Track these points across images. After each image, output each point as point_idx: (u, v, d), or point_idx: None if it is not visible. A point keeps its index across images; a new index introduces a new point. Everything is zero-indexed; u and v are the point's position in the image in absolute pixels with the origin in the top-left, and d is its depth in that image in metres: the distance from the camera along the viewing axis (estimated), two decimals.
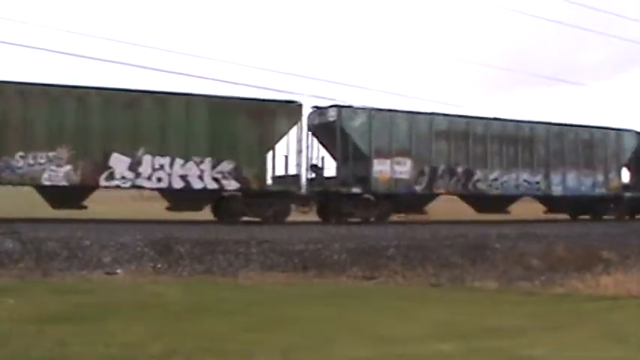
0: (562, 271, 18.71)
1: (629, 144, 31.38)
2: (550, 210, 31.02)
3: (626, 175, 32.40)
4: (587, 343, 9.57)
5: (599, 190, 30.23)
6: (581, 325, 11.20)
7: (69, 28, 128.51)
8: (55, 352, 7.96)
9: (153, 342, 8.61)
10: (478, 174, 27.24)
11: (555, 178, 29.18)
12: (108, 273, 16.15)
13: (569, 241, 21.84)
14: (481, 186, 27.36)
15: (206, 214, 24.36)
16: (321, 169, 25.73)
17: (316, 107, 25.62)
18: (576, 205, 30.76)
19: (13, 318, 10.07)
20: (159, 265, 16.93)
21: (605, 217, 30.82)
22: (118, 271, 16.38)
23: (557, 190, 29.30)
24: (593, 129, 30.63)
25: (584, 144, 30.06)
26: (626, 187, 31.69)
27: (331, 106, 25.12)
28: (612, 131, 31.05)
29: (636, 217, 31.83)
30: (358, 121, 24.78)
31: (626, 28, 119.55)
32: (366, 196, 25.42)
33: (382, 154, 24.97)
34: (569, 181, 29.49)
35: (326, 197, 25.09)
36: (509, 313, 12.55)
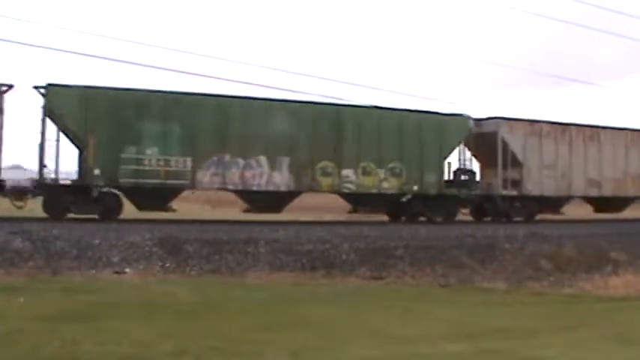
0: (571, 272, 18.68)
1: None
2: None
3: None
4: (596, 344, 9.55)
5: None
6: (590, 326, 11.18)
7: (69, 27, 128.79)
8: (65, 351, 7.99)
9: (162, 341, 8.64)
10: None
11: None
12: (117, 272, 16.21)
13: (578, 242, 21.77)
14: None
15: (208, 213, 24.38)
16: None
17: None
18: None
19: (24, 316, 10.12)
20: (167, 265, 16.97)
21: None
22: (127, 270, 16.43)
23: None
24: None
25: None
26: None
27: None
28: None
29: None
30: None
31: (638, 28, 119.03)
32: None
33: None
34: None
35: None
36: (518, 314, 12.53)
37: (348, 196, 25.71)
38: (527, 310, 13.04)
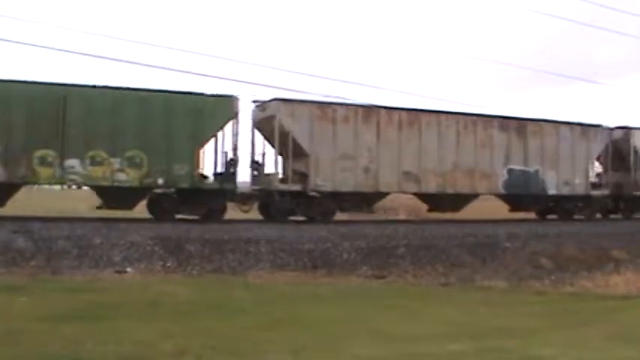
0: (572, 271, 18.68)
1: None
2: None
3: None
4: (597, 343, 9.56)
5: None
6: (591, 325, 11.18)
7: (69, 26, 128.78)
8: (67, 350, 8.01)
9: (163, 341, 8.65)
10: None
11: None
12: (118, 271, 16.22)
13: (579, 240, 21.78)
14: None
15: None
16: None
17: None
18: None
19: (26, 316, 10.14)
20: (169, 264, 16.98)
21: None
22: (128, 269, 16.44)
23: None
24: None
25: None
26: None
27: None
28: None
29: None
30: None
31: None
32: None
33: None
34: None
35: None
36: (519, 313, 12.54)
37: (98, 190, 22.30)
38: (528, 309, 13.05)
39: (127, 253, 17.11)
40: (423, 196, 26.89)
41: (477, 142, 26.26)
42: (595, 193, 28.87)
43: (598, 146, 29.09)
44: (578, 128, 28.58)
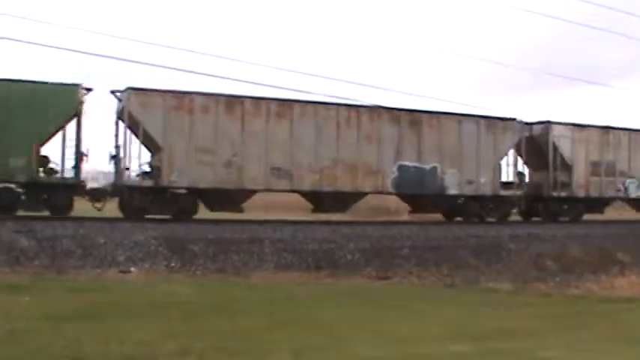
0: (577, 273, 18.62)
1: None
2: None
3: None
4: (601, 345, 9.51)
5: None
6: (595, 327, 11.13)
7: (72, 25, 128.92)
8: (69, 350, 7.99)
9: (166, 341, 8.63)
10: None
11: None
12: (122, 271, 16.23)
13: (584, 243, 21.71)
14: None
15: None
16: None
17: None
18: None
19: (29, 315, 10.14)
20: (172, 264, 16.99)
21: None
22: (132, 269, 16.45)
23: None
24: None
25: None
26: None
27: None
28: None
29: None
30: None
31: None
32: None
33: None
34: None
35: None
36: (523, 315, 12.48)
37: None
38: (533, 311, 12.99)
39: (130, 253, 17.13)
40: (304, 195, 24.81)
41: (360, 135, 24.00)
42: (506, 193, 26.44)
43: (509, 142, 26.52)
44: (484, 122, 26.02)
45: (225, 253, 17.84)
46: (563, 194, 27.54)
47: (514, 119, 26.86)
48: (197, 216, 22.85)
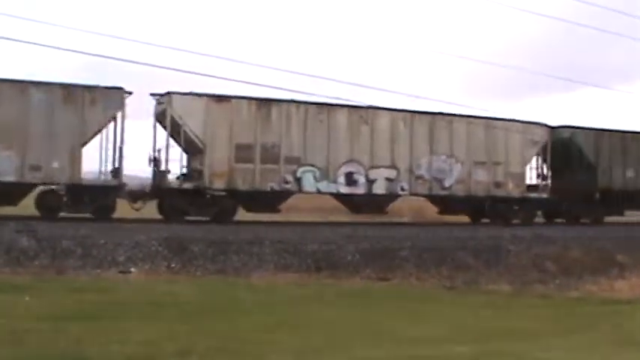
0: (577, 275, 18.60)
1: None
2: None
3: None
4: (601, 347, 9.52)
5: None
6: (595, 329, 11.14)
7: (73, 25, 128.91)
8: (70, 350, 8.00)
9: (167, 341, 8.64)
10: None
11: None
12: (122, 272, 16.21)
13: (584, 244, 21.69)
14: None
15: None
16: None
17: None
18: None
19: (29, 316, 10.14)
20: (173, 265, 16.97)
21: None
22: (132, 269, 16.44)
23: None
24: None
25: None
26: None
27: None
28: None
29: None
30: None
31: None
32: None
33: None
34: None
35: None
36: (523, 317, 12.49)
37: None
38: (533, 313, 13.00)
39: (131, 253, 17.10)
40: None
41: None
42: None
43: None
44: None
45: (226, 253, 17.81)
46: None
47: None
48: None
